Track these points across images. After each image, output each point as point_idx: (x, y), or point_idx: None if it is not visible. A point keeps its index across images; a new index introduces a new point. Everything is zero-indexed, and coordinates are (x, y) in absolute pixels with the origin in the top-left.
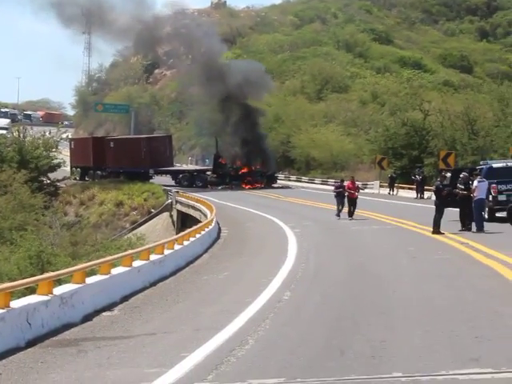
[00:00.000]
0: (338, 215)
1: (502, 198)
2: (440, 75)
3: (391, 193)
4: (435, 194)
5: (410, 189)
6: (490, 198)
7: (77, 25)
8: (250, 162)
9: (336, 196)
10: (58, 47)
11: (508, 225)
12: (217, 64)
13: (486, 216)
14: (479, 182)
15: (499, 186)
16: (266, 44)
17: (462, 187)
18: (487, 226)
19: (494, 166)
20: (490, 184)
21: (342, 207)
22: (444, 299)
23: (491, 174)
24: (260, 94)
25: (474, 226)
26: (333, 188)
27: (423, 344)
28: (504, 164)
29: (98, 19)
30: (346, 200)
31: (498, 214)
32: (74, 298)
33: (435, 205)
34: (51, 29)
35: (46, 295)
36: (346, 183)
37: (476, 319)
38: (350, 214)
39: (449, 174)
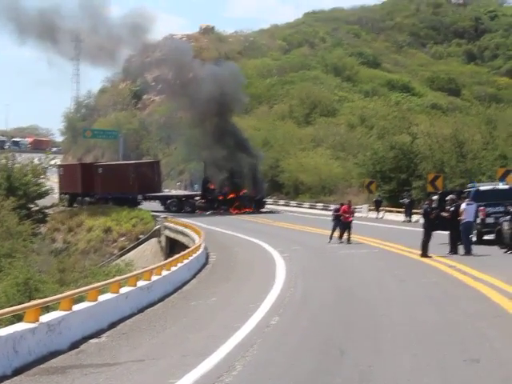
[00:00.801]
0: (331, 238)
1: (489, 220)
2: (428, 98)
3: (377, 216)
4: (423, 217)
5: (398, 212)
6: (478, 221)
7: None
8: (239, 187)
9: (333, 220)
10: (47, 73)
11: (496, 247)
12: (200, 87)
13: (475, 239)
14: (467, 204)
15: (487, 209)
16: (254, 68)
17: (447, 209)
18: (475, 248)
19: (482, 188)
20: (478, 207)
21: (345, 233)
22: (432, 322)
23: (479, 197)
24: (238, 108)
25: (461, 249)
26: (331, 212)
27: (412, 368)
28: (492, 187)
29: (88, 46)
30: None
31: (486, 237)
32: (61, 325)
33: (423, 228)
34: (39, 54)
35: (33, 323)
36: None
37: (464, 342)
38: (342, 236)
39: (436, 197)
